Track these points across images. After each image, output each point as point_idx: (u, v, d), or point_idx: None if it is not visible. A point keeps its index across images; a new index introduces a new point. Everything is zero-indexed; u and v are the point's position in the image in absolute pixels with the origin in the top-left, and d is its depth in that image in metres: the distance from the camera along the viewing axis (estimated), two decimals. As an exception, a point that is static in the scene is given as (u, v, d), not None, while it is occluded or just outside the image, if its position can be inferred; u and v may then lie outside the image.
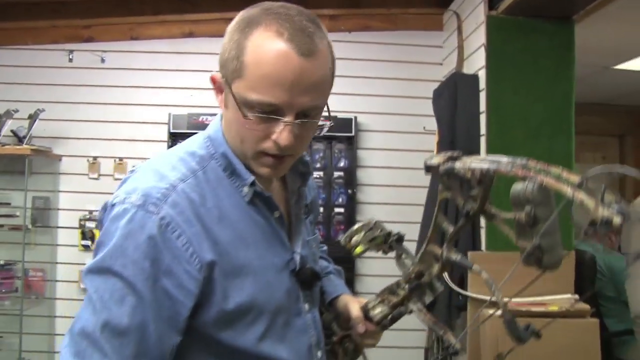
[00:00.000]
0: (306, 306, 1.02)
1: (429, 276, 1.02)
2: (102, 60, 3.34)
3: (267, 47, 0.86)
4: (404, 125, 3.48)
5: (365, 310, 1.11)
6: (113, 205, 0.89)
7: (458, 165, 0.86)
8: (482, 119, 2.79)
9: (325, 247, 1.34)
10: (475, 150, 2.80)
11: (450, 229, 0.94)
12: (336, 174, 3.47)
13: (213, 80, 0.95)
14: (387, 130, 3.50)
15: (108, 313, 0.82)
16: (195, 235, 0.87)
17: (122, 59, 3.37)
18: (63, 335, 0.88)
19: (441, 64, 3.57)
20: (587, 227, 0.69)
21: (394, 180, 3.41)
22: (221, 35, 3.60)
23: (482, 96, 2.79)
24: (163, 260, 0.84)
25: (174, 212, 0.86)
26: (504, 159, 0.79)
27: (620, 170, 0.73)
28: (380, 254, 1.16)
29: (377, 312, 1.09)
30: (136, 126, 3.36)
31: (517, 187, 0.79)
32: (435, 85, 3.48)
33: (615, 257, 3.72)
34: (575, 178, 0.69)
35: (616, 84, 3.74)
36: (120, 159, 3.34)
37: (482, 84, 2.79)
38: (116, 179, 3.32)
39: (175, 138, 3.29)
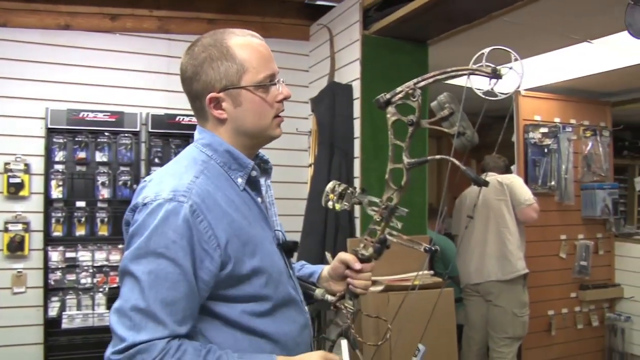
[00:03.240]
0: (291, 271, 1.31)
1: (396, 195, 1.28)
2: (-37, 46, 3.05)
3: (247, 45, 1.20)
4: (279, 125, 3.76)
5: (355, 253, 1.35)
6: (145, 204, 1.10)
7: (399, 89, 1.24)
8: (357, 123, 3.22)
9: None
10: (351, 150, 3.22)
11: (403, 144, 1.27)
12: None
13: (211, 100, 1.19)
14: (263, 130, 3.75)
15: (158, 289, 1.03)
16: (214, 219, 1.11)
17: (-13, 47, 3.10)
18: None
19: (307, 71, 3.93)
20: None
21: (272, 177, 3.67)
22: (100, 30, 3.63)
23: (357, 104, 3.22)
24: (194, 237, 1.08)
25: (199, 201, 1.10)
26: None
27: (498, 48, 1.18)
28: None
29: (364, 252, 1.33)
30: (6, 120, 3.11)
31: (434, 102, 1.22)
32: (304, 90, 3.84)
33: (443, 239, 4.44)
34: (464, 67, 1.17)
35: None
36: (-12, 154, 3.08)
37: (357, 93, 3.22)
38: (-16, 176, 3.07)
39: (53, 134, 3.16)
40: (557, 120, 4.34)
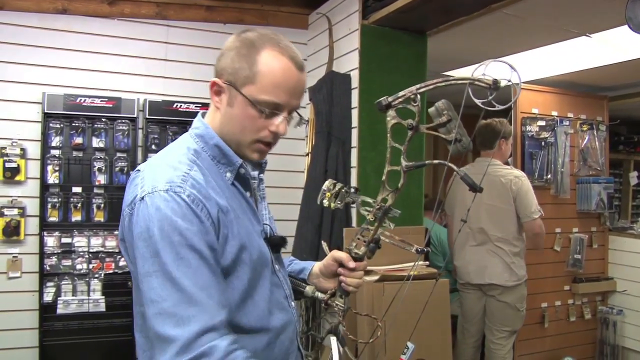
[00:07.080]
0: (277, 266, 1.30)
1: (391, 197, 1.30)
2: (-43, 29, 3.02)
3: (276, 62, 1.15)
4: (276, 114, 3.75)
5: (348, 252, 1.36)
6: (143, 198, 1.08)
7: (401, 93, 1.25)
8: (355, 113, 3.21)
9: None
10: (348, 140, 3.22)
11: (402, 147, 1.29)
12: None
13: (213, 84, 1.19)
14: (261, 119, 3.74)
15: (188, 276, 1.02)
16: (211, 207, 1.10)
17: (-17, 31, 3.07)
18: None
19: (306, 60, 3.91)
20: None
21: (269, 165, 3.67)
22: (98, 15, 3.60)
23: (355, 93, 3.21)
24: (202, 224, 1.07)
25: (195, 191, 1.09)
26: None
27: (497, 60, 1.20)
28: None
29: (357, 251, 1.35)
30: (3, 104, 3.09)
31: (432, 108, 1.23)
32: (302, 79, 3.82)
33: (443, 231, 4.41)
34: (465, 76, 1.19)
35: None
36: (-16, 139, 3.06)
37: (355, 82, 3.20)
38: (-21, 161, 3.06)
39: (49, 119, 3.14)
40: (554, 113, 4.34)
